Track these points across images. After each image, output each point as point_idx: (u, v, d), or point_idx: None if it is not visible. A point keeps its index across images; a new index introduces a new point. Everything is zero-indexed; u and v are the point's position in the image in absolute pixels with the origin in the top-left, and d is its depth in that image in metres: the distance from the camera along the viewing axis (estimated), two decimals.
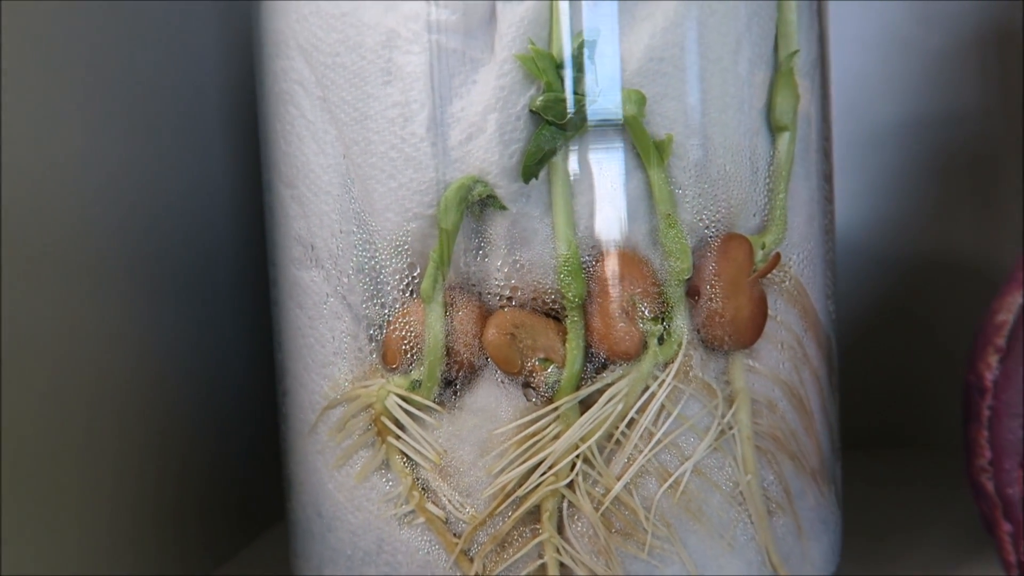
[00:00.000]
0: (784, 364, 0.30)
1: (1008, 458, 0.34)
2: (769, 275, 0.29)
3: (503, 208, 0.27)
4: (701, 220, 0.28)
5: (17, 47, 0.30)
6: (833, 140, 0.34)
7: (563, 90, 0.27)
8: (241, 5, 0.39)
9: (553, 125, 0.27)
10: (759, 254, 0.29)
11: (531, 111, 0.27)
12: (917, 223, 0.48)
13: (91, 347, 0.33)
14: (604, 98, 0.27)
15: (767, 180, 0.29)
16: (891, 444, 0.49)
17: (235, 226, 0.41)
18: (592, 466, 0.27)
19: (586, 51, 0.27)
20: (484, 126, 0.27)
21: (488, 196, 0.27)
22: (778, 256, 0.29)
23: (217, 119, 0.40)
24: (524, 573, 0.28)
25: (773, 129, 0.29)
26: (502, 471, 0.28)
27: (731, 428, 0.28)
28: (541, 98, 0.27)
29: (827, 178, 0.32)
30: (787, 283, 0.30)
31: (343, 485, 0.30)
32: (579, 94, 0.27)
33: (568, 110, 0.27)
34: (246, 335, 0.41)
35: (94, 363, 0.33)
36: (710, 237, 0.28)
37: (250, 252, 0.41)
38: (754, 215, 0.29)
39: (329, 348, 0.30)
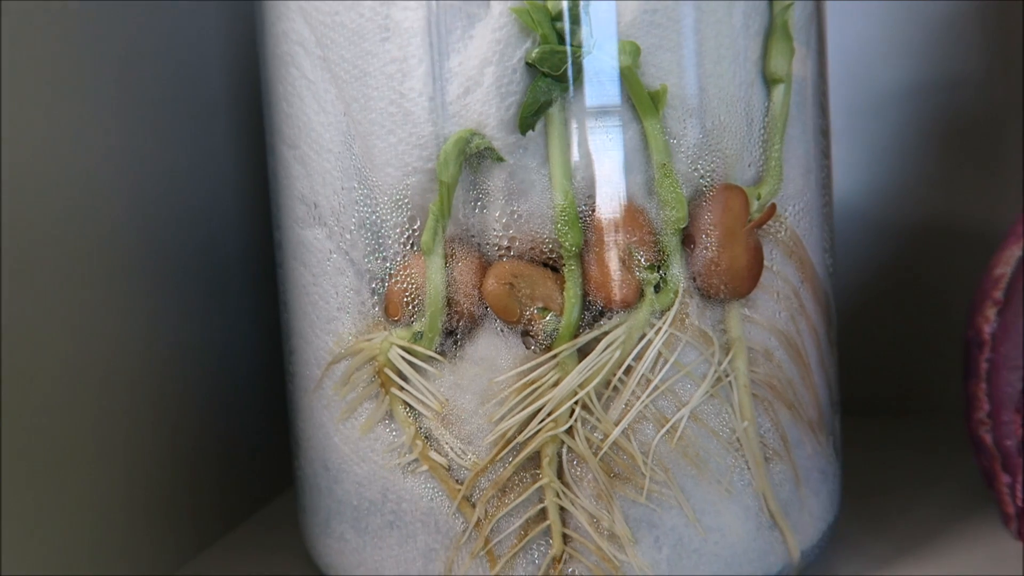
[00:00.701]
0: (780, 314, 0.30)
1: (1006, 410, 0.34)
2: (765, 226, 0.29)
3: (501, 160, 0.28)
4: (696, 170, 0.28)
5: (15, 20, 0.30)
6: (831, 103, 0.35)
7: (558, 42, 0.27)
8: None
9: (549, 77, 0.27)
10: (754, 205, 0.29)
11: (527, 64, 0.27)
12: (918, 189, 0.48)
13: (99, 332, 0.33)
14: (599, 50, 0.27)
15: (762, 131, 0.29)
16: (892, 411, 0.49)
17: (241, 205, 0.41)
18: (591, 412, 0.28)
19: (581, 3, 0.27)
20: (481, 80, 0.27)
21: (486, 148, 0.28)
22: (773, 207, 0.29)
23: (222, 101, 0.40)
24: (525, 517, 0.28)
25: (768, 81, 0.29)
26: (502, 418, 0.28)
27: (727, 376, 0.29)
28: (537, 51, 0.27)
29: (824, 133, 0.33)
30: (783, 234, 0.30)
31: (348, 437, 0.30)
32: (574, 46, 0.27)
33: (564, 62, 0.27)
34: (254, 317, 0.42)
35: (102, 348, 0.33)
36: (705, 187, 0.28)
37: (256, 232, 0.41)
38: (749, 166, 0.29)
39: (333, 304, 0.30)
